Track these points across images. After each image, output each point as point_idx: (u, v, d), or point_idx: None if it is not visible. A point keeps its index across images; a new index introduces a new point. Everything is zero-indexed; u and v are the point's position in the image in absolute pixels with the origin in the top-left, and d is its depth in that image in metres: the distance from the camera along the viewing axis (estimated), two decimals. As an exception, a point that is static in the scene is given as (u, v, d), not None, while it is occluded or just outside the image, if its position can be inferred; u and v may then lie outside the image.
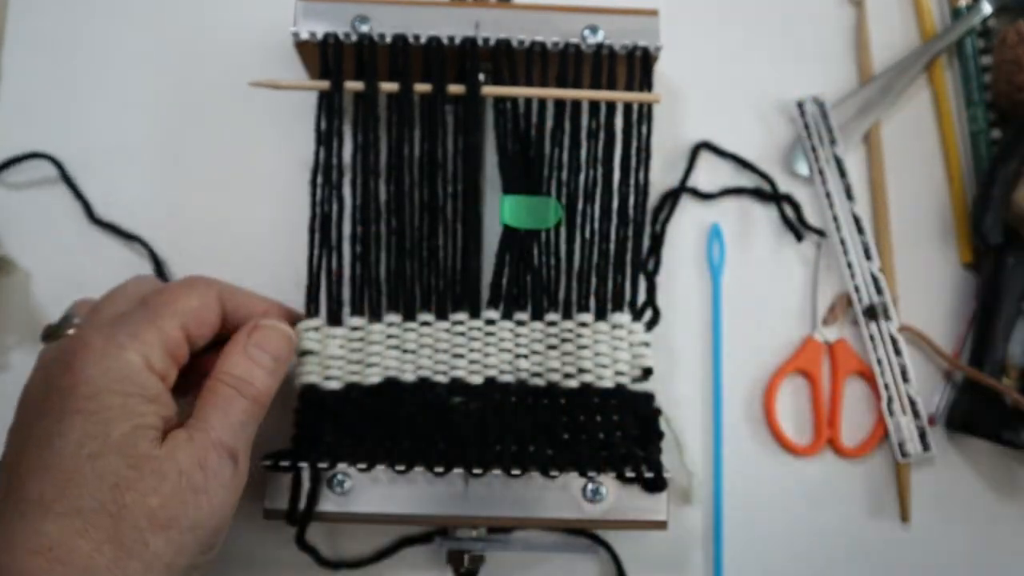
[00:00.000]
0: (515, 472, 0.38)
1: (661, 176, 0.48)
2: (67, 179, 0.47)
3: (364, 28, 0.41)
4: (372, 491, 0.38)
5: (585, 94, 0.41)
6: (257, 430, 0.36)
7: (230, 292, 0.37)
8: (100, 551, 0.29)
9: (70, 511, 0.29)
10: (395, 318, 0.40)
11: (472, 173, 0.41)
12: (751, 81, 0.51)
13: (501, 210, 0.41)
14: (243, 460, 0.34)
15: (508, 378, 0.40)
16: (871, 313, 0.47)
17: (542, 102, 0.42)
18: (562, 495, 0.38)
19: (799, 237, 0.48)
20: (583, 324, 0.41)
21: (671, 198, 0.48)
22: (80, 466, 0.30)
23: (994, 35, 0.50)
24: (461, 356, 0.40)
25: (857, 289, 0.47)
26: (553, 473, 0.38)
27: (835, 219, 0.48)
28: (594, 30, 0.41)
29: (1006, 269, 0.46)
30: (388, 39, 0.41)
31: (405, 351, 0.40)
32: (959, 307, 0.49)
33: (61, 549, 0.28)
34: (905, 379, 0.46)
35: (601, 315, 0.41)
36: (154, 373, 0.32)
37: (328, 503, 0.38)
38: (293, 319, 0.39)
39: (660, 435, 0.40)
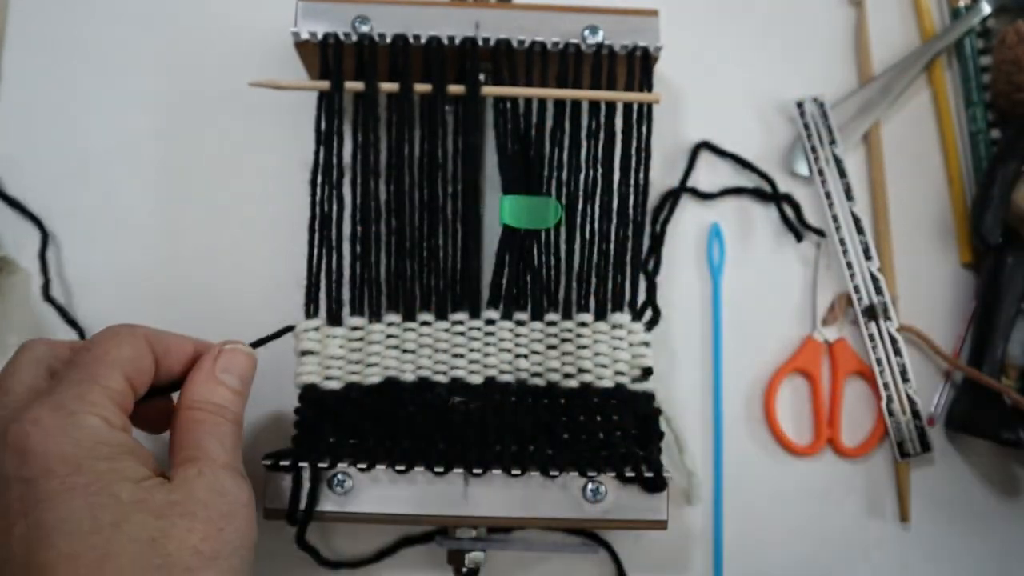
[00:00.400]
0: (515, 472, 0.38)
1: (661, 176, 0.48)
2: (43, 249, 0.46)
3: (364, 28, 0.41)
4: (372, 491, 0.38)
5: (585, 94, 0.41)
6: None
7: (157, 337, 0.35)
8: None
9: None
10: (395, 318, 0.40)
11: (472, 173, 0.41)
12: (751, 81, 0.51)
13: (501, 210, 0.41)
14: (247, 480, 0.34)
15: (508, 378, 0.40)
16: (871, 313, 0.47)
17: (542, 102, 0.42)
18: (562, 495, 0.38)
19: (799, 237, 0.48)
20: (583, 324, 0.41)
21: (671, 198, 0.48)
22: (109, 538, 0.28)
23: (993, 35, 0.51)
24: (461, 356, 0.40)
25: (857, 289, 0.47)
26: (553, 473, 0.38)
27: (835, 219, 0.48)
28: (594, 30, 0.41)
29: (1005, 269, 0.46)
30: (388, 39, 0.41)
31: (405, 351, 0.40)
32: (959, 307, 0.49)
33: None
34: (905, 379, 0.46)
35: (601, 315, 0.41)
36: (117, 429, 0.31)
37: (328, 503, 0.38)
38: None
39: (660, 435, 0.40)
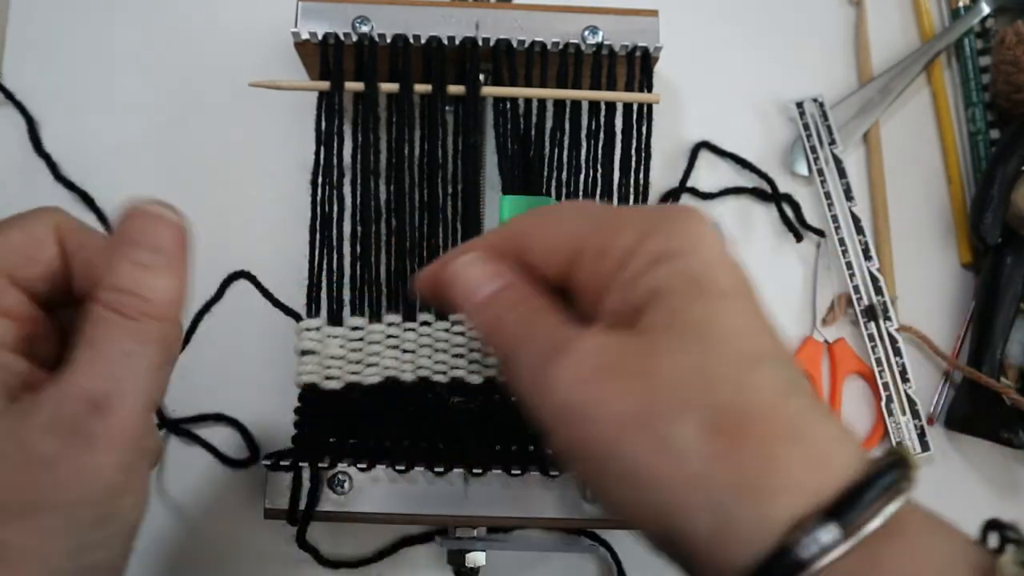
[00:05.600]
0: (515, 472, 0.38)
1: (661, 176, 0.48)
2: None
3: (364, 28, 0.41)
4: (372, 491, 0.38)
5: (585, 94, 0.41)
6: (172, 361, 0.27)
7: (73, 227, 0.28)
8: None
9: None
10: (395, 318, 0.40)
11: (472, 173, 0.41)
12: (751, 81, 0.51)
13: (501, 210, 0.41)
14: (123, 408, 0.25)
15: (508, 378, 0.40)
16: (870, 313, 0.47)
17: (542, 102, 0.42)
18: (562, 495, 0.38)
19: (798, 237, 0.48)
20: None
21: (671, 198, 0.48)
22: None
23: (993, 35, 0.51)
24: (461, 356, 0.40)
25: (856, 289, 0.47)
26: (553, 473, 0.38)
27: (834, 219, 0.48)
28: (594, 30, 0.41)
29: (1004, 269, 0.46)
30: (388, 39, 0.41)
31: (405, 351, 0.40)
32: (958, 307, 0.49)
33: None
34: (904, 379, 0.46)
35: (601, 315, 0.41)
36: None
37: (328, 503, 0.38)
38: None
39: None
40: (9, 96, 0.48)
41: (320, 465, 0.38)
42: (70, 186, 0.47)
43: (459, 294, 0.28)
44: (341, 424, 0.39)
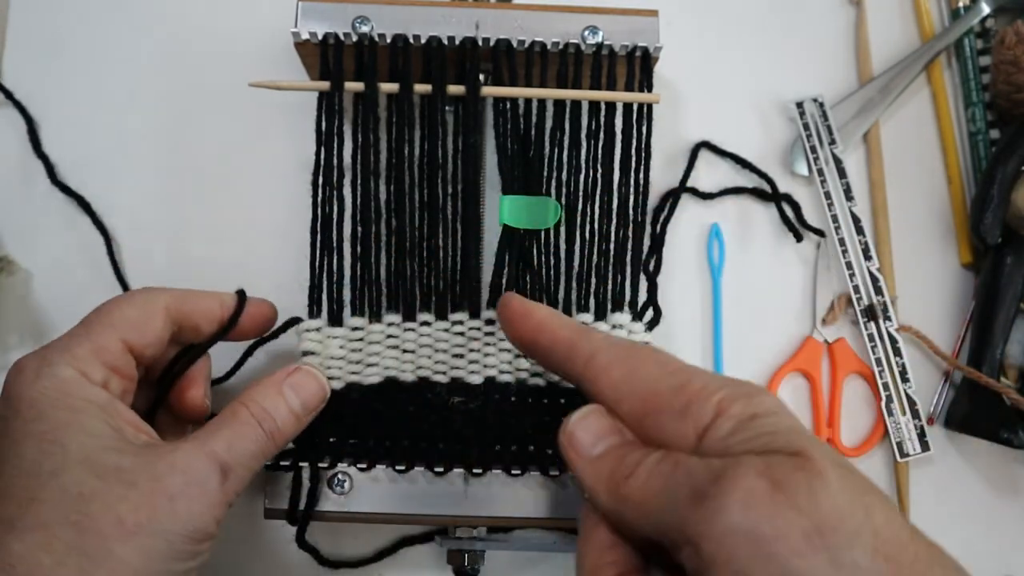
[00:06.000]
0: (515, 472, 0.38)
1: (661, 176, 0.48)
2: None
3: (364, 28, 0.41)
4: (372, 491, 0.38)
5: (585, 94, 0.41)
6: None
7: (178, 299, 0.36)
8: (63, 563, 0.28)
9: (34, 526, 0.29)
10: (395, 318, 0.40)
11: (472, 173, 0.41)
12: (751, 81, 0.51)
13: (501, 210, 0.41)
14: (235, 480, 0.32)
15: (508, 378, 0.40)
16: (870, 313, 0.47)
17: (542, 102, 0.42)
18: (562, 495, 0.38)
19: (798, 237, 0.48)
20: (583, 324, 0.40)
21: (671, 198, 0.48)
22: (43, 483, 0.30)
23: (992, 35, 0.51)
24: (461, 356, 0.40)
25: (856, 289, 0.47)
26: (553, 473, 0.38)
27: (834, 219, 0.48)
28: (594, 30, 0.41)
29: (1004, 269, 0.46)
30: (388, 39, 0.41)
31: (405, 351, 0.40)
32: (958, 307, 0.49)
33: (23, 565, 0.28)
34: (904, 379, 0.46)
35: (601, 315, 0.41)
36: (94, 383, 0.32)
37: (328, 503, 0.38)
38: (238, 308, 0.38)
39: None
40: (9, 96, 0.48)
41: (320, 465, 0.38)
42: (66, 190, 0.47)
43: (577, 450, 0.30)
44: (341, 424, 0.39)
